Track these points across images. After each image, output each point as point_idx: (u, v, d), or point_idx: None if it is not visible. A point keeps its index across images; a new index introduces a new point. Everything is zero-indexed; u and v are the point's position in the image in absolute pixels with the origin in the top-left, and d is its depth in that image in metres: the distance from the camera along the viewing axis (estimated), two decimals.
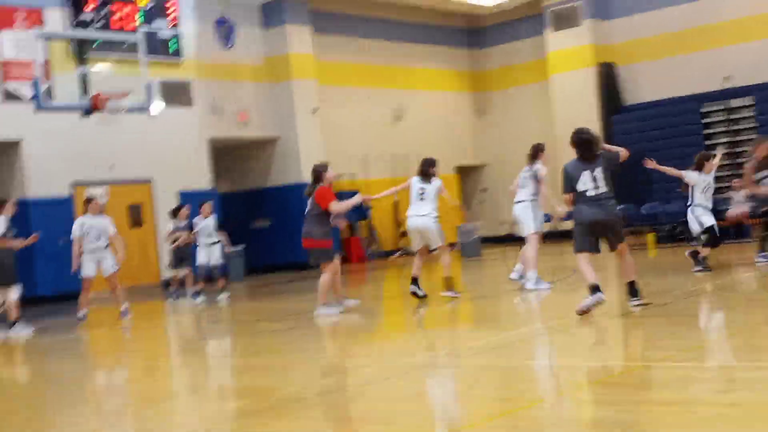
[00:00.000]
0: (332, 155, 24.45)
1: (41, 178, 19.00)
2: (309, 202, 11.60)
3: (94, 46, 18.71)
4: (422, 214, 12.30)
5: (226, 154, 24.19)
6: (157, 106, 19.14)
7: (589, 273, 9.21)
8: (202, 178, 21.70)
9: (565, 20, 26.60)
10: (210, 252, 16.02)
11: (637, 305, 9.26)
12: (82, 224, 13.57)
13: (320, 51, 24.86)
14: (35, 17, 18.93)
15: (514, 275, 13.07)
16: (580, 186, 9.35)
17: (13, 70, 18.66)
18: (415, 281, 12.05)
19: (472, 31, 29.63)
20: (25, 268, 13.93)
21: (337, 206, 11.49)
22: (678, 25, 25.21)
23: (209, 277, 16.37)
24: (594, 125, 25.88)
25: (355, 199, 12.22)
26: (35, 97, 15.35)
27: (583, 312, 9.02)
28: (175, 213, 16.61)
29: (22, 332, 12.68)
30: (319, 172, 11.67)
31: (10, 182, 19.13)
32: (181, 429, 5.98)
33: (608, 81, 26.13)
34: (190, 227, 16.27)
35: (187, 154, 21.52)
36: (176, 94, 21.42)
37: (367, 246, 25.13)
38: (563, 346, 8.09)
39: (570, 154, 9.75)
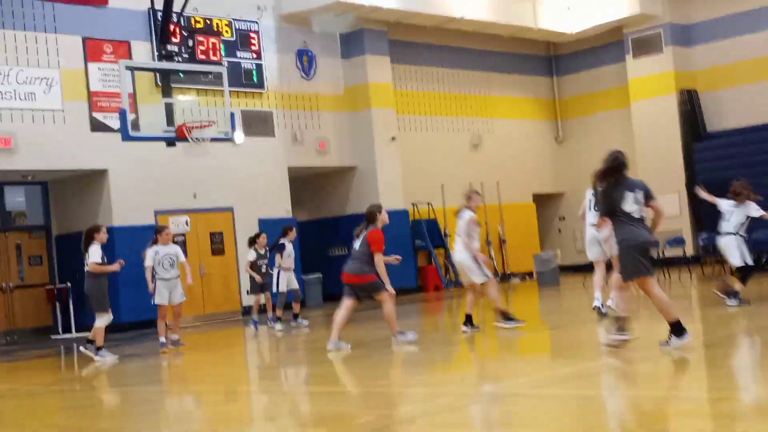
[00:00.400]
0: (410, 184, 24.58)
1: (126, 207, 19.46)
2: (360, 241, 11.63)
3: (179, 77, 19.16)
4: (458, 250, 12.25)
5: (305, 183, 24.46)
6: (240, 135, 19.52)
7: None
8: (281, 207, 21.97)
9: (646, 47, 26.35)
10: (290, 277, 16.17)
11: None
12: (156, 252, 13.79)
13: (399, 80, 25.06)
14: (123, 50, 19.51)
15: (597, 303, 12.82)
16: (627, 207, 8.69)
17: (101, 101, 19.23)
18: (468, 319, 12.01)
19: (552, 59, 29.54)
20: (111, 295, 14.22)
21: (379, 260, 11.54)
22: (760, 52, 24.77)
23: (288, 302, 16.44)
24: (675, 153, 25.52)
25: (392, 258, 12.18)
26: (122, 128, 15.76)
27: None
28: (252, 242, 16.74)
29: (107, 359, 12.98)
30: (373, 214, 11.76)
31: (96, 210, 19.62)
32: None
33: (690, 108, 25.76)
34: (270, 255, 16.43)
35: (268, 183, 21.83)
36: (258, 123, 21.80)
37: (444, 274, 25.08)
38: (647, 376, 7.95)
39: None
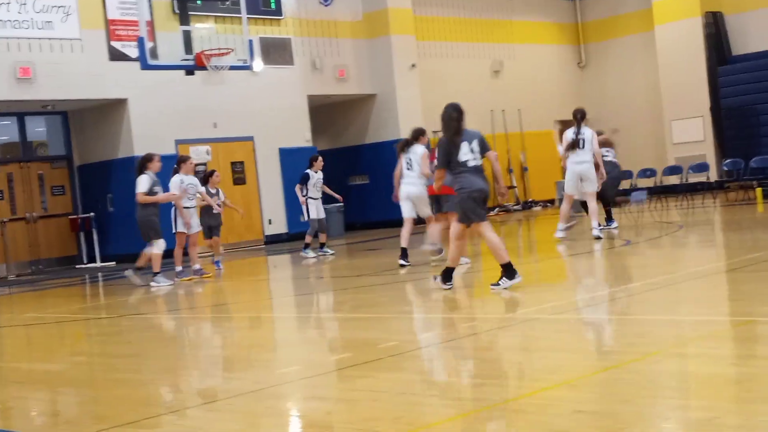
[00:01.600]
0: (430, 111, 24.35)
1: (147, 136, 19.43)
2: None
3: (196, 4, 18.96)
4: (414, 183, 12.71)
5: (325, 111, 24.33)
6: (259, 63, 19.37)
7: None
8: (301, 136, 21.90)
9: None
10: (318, 206, 16.10)
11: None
12: (181, 181, 13.68)
13: (418, 5, 24.71)
14: None
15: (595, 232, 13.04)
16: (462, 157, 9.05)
17: (119, 30, 19.09)
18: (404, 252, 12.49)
19: None
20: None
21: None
22: None
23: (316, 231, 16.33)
24: (700, 77, 25.13)
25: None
26: (140, 56, 15.67)
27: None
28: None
29: (162, 284, 13.06)
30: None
31: (118, 140, 19.64)
32: (286, 378, 6.10)
33: (715, 31, 25.28)
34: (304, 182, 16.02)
35: (288, 112, 21.73)
36: (276, 51, 21.62)
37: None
38: (668, 301, 7.94)
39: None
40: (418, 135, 12.73)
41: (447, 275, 9.34)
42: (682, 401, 4.64)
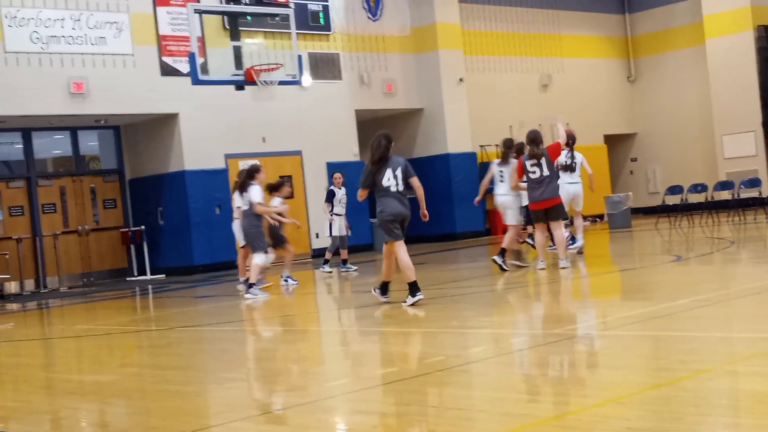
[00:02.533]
0: (477, 125, 24.35)
1: (197, 150, 19.67)
2: (544, 163, 12.32)
3: (246, 20, 19.15)
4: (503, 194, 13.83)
5: (372, 126, 24.36)
6: (307, 78, 19.51)
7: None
8: (349, 150, 21.99)
9: None
10: (341, 223, 16.05)
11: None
12: (260, 191, 13.08)
13: (466, 20, 24.72)
14: None
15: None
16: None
17: (170, 45, 19.36)
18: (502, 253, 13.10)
19: None
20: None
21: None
22: None
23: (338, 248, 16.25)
24: (752, 91, 24.80)
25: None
26: (192, 71, 15.87)
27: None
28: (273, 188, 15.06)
29: (259, 297, 12.72)
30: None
31: (168, 154, 19.89)
32: (335, 391, 6.12)
33: (767, 44, 24.96)
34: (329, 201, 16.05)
35: (335, 126, 21.84)
36: (325, 66, 21.75)
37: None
38: (721, 317, 7.82)
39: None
40: (517, 147, 13.70)
41: (384, 288, 10.42)
42: (734, 419, 4.56)
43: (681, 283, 10.88)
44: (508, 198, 13.68)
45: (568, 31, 27.44)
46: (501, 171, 13.77)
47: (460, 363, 6.76)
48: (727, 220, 20.03)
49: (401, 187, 9.97)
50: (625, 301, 9.85)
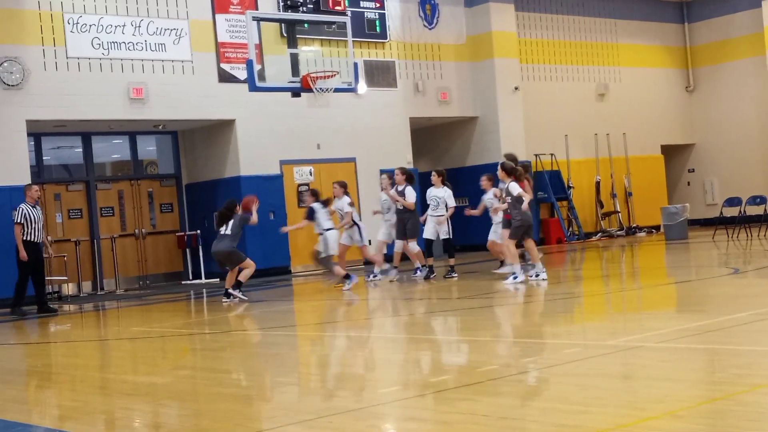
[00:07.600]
0: (533, 135, 24.22)
1: (253, 156, 19.83)
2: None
3: (303, 27, 19.31)
4: None
5: (426, 133, 24.40)
6: (363, 86, 19.58)
7: None
8: (403, 157, 22.00)
9: None
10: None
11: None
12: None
13: (522, 28, 24.63)
14: (249, 1, 19.75)
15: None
16: None
17: (228, 52, 19.57)
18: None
19: (683, 5, 28.48)
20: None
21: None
22: None
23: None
24: None
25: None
26: (249, 78, 16.02)
27: None
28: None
29: (391, 273, 15.76)
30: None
31: (225, 159, 20.09)
32: (386, 398, 6.12)
33: None
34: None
35: (390, 134, 21.87)
36: (380, 74, 21.81)
37: (567, 227, 24.76)
38: None
39: None
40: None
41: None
42: None
43: (738, 297, 10.70)
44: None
45: (625, 41, 27.19)
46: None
47: (513, 372, 6.73)
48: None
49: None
50: (681, 314, 9.72)
